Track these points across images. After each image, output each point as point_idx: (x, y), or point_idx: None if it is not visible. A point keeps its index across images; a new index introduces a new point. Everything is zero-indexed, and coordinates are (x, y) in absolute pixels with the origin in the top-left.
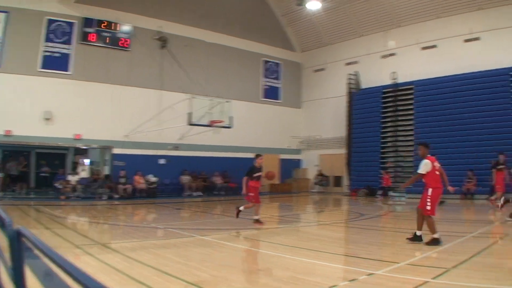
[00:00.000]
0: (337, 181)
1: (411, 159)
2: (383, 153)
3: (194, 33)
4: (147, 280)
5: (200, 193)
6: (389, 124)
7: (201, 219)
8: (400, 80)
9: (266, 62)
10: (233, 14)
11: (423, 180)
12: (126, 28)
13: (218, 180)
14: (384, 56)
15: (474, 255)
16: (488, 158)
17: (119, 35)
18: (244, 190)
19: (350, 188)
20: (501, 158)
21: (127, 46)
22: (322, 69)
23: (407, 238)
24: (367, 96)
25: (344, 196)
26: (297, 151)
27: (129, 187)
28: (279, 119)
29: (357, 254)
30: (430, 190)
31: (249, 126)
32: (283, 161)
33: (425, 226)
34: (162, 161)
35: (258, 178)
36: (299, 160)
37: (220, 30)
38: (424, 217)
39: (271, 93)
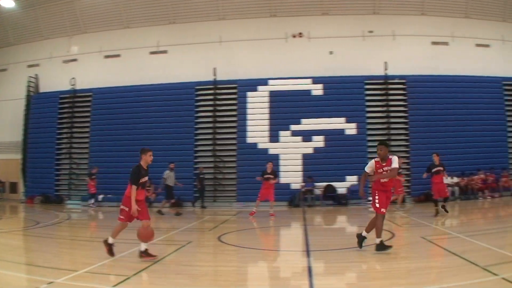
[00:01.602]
0: (13, 187)
1: (85, 166)
2: (59, 159)
3: None
4: None
5: None
6: (65, 131)
7: None
8: (81, 86)
9: None
10: None
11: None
12: None
13: None
14: (66, 61)
15: (155, 262)
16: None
17: None
18: None
19: (26, 195)
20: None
21: None
22: (4, 70)
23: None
24: (45, 100)
25: (20, 203)
26: None
27: None
28: None
29: (36, 262)
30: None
31: None
32: None
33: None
34: None
35: None
36: None
37: None
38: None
39: None
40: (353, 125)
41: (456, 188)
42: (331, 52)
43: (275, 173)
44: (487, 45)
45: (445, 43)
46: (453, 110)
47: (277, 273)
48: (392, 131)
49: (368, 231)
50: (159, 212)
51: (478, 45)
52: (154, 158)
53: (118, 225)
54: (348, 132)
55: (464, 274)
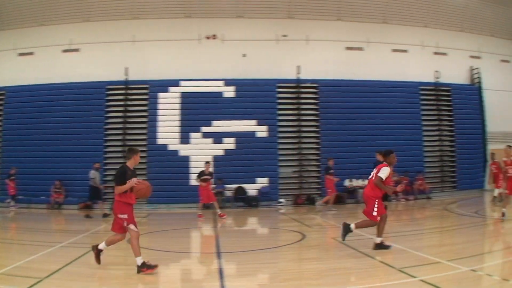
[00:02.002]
0: None
1: None
2: None
3: None
4: None
5: None
6: None
7: None
8: None
9: None
10: None
11: None
12: None
13: None
14: None
15: (67, 264)
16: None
17: None
18: None
19: None
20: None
21: None
22: None
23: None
24: None
25: None
26: None
27: None
28: None
29: None
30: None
31: None
32: None
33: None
34: None
35: None
36: None
37: None
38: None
39: None
40: (264, 127)
41: None
42: (244, 55)
43: (212, 174)
44: (404, 50)
45: (360, 49)
46: (367, 114)
47: (189, 275)
48: (303, 134)
49: (358, 226)
50: (105, 215)
51: (394, 50)
52: (63, 158)
53: (118, 236)
54: (259, 134)
55: (380, 275)
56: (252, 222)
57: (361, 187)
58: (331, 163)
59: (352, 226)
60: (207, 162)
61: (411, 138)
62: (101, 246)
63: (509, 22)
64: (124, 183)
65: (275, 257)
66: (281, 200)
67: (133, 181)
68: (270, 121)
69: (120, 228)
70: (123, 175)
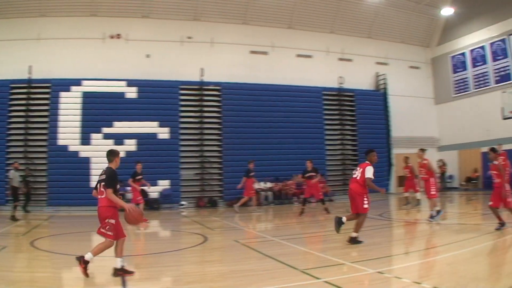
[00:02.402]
0: None
1: None
2: None
3: None
4: None
5: None
6: None
7: None
8: None
9: None
10: None
11: None
12: None
13: None
14: None
15: None
16: None
17: None
18: None
19: None
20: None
21: None
22: None
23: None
24: None
25: None
26: None
27: None
28: None
29: None
30: None
31: None
32: None
33: None
34: None
35: None
36: None
37: None
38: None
39: None
40: (166, 129)
41: (270, 193)
42: (148, 56)
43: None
44: (309, 56)
45: (265, 53)
46: (271, 118)
47: (92, 279)
48: (206, 137)
49: (348, 219)
50: (13, 218)
51: (299, 55)
52: None
53: (106, 244)
54: (161, 136)
55: (283, 277)
56: (154, 225)
57: (263, 190)
58: (251, 165)
59: (344, 218)
60: (138, 163)
61: (314, 142)
62: (87, 256)
63: (419, 29)
64: (116, 186)
65: (178, 260)
66: (183, 202)
67: (130, 206)
68: (172, 123)
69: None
70: (115, 179)
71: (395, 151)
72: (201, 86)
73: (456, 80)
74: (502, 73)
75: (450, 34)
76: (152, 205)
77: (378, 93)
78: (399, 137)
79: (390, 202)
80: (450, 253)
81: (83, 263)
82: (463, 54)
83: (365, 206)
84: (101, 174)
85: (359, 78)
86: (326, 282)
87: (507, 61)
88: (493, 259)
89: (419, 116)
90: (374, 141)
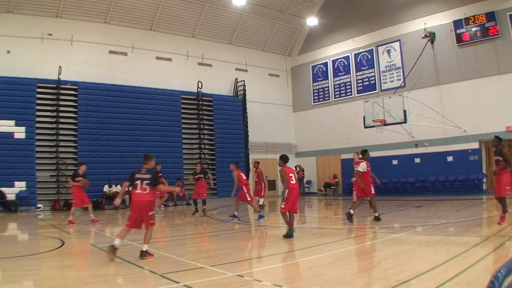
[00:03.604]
0: None
1: None
2: None
3: None
4: None
5: None
6: None
7: None
8: None
9: None
10: None
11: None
12: None
13: None
14: None
15: None
16: None
17: None
18: None
19: None
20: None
21: None
22: None
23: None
24: None
25: None
26: None
27: None
28: None
29: None
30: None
31: None
32: None
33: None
34: None
35: None
36: None
37: None
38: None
39: None
40: (22, 128)
41: (126, 197)
42: (8, 52)
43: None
44: (169, 59)
45: (124, 53)
46: (128, 120)
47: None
48: (61, 137)
49: (353, 208)
50: None
51: (159, 58)
52: None
53: (150, 231)
54: (17, 136)
55: (142, 281)
56: (12, 228)
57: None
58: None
59: (351, 211)
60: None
61: (172, 145)
62: (145, 248)
63: (281, 38)
64: (158, 183)
65: (38, 264)
66: (39, 205)
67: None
68: (29, 122)
69: (138, 224)
70: (157, 177)
71: (253, 156)
72: (58, 85)
73: (316, 89)
74: (366, 83)
75: (312, 44)
76: (9, 207)
77: (237, 99)
78: (257, 142)
79: (249, 206)
80: (311, 257)
81: (147, 254)
82: (325, 64)
83: (372, 191)
84: (137, 173)
85: (218, 84)
86: (185, 286)
87: (372, 72)
88: (357, 264)
89: (277, 123)
90: (232, 146)
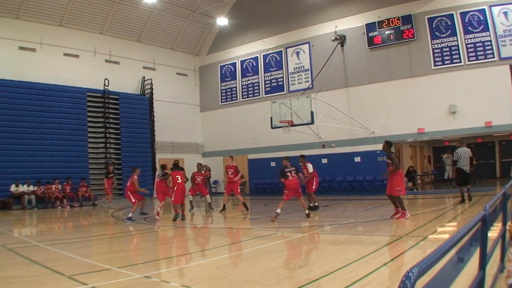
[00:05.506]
0: None
1: None
2: None
3: None
4: None
5: None
6: None
7: None
8: None
9: None
10: None
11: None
12: None
13: None
14: None
15: None
16: None
17: None
18: None
19: None
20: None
21: None
22: None
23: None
24: None
25: None
26: None
27: None
28: None
29: None
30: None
31: None
32: None
33: None
34: None
35: None
36: None
37: None
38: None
39: None
40: None
41: (33, 197)
42: None
43: None
44: (76, 56)
45: (33, 50)
46: (34, 118)
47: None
48: None
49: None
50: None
51: (66, 54)
52: None
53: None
54: None
55: (50, 283)
56: None
57: (26, 193)
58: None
59: (311, 204)
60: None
61: (76, 144)
62: (278, 211)
63: (190, 37)
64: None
65: None
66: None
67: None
68: None
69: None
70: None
71: (160, 156)
72: None
73: (224, 89)
74: (274, 84)
75: (222, 44)
76: None
77: (143, 98)
78: (164, 142)
79: (155, 206)
80: (218, 257)
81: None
82: (233, 64)
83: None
84: (288, 167)
85: (125, 82)
86: (93, 287)
87: (280, 73)
88: (265, 263)
89: (184, 122)
90: (138, 145)
